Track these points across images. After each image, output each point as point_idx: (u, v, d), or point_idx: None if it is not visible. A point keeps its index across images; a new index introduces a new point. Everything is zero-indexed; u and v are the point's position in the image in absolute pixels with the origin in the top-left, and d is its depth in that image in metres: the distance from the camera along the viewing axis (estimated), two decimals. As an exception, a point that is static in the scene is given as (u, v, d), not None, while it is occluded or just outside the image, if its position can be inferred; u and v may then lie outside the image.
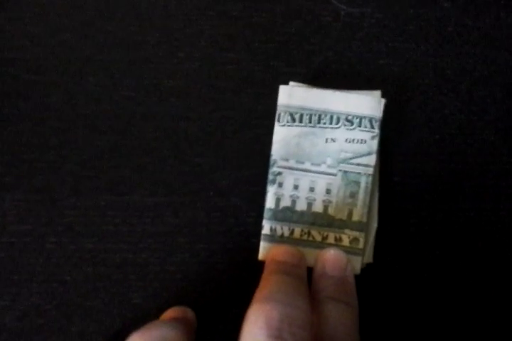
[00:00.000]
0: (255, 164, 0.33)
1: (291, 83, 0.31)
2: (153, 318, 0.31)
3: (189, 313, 0.30)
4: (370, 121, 0.30)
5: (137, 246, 0.32)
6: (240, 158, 0.33)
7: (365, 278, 0.30)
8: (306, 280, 0.28)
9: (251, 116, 0.33)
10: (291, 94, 0.31)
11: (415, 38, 0.35)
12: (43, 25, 0.34)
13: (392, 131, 0.33)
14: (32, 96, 0.34)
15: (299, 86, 0.31)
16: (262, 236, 0.30)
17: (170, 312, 0.30)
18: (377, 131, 0.30)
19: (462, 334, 0.32)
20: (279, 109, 0.31)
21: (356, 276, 0.29)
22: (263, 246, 0.30)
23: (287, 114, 0.30)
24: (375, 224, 0.31)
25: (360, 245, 0.30)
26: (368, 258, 0.30)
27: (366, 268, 0.30)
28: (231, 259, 0.32)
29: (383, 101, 0.31)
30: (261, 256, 0.30)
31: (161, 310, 0.31)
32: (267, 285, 0.26)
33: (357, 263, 0.30)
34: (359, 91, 0.31)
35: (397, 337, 0.32)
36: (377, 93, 0.31)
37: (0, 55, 0.34)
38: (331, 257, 0.28)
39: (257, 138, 0.33)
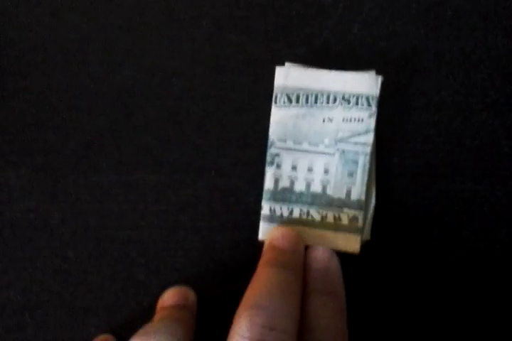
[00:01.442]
0: (256, 144, 0.34)
1: (287, 64, 0.32)
2: (155, 294, 0.32)
3: (190, 296, 0.31)
4: (367, 99, 0.31)
5: (139, 224, 0.33)
6: (240, 138, 0.34)
7: (363, 259, 0.31)
8: (302, 269, 0.28)
9: (251, 96, 0.34)
10: (287, 75, 0.31)
11: (415, 21, 0.35)
12: (44, 5, 0.35)
13: (391, 113, 0.34)
14: (34, 76, 0.35)
15: (295, 66, 0.32)
16: (261, 217, 0.31)
17: (171, 293, 0.31)
18: (374, 109, 0.31)
19: (458, 317, 0.33)
20: (276, 91, 0.31)
21: (353, 257, 0.30)
22: (263, 226, 0.31)
23: (284, 95, 0.31)
24: (372, 203, 0.31)
25: (360, 223, 0.30)
26: (366, 235, 0.31)
27: (364, 249, 0.31)
28: (231, 237, 0.33)
29: (380, 79, 0.31)
30: (261, 236, 0.31)
31: (163, 286, 0.32)
32: (258, 284, 0.26)
33: (356, 242, 0.30)
34: (355, 71, 0.32)
35: (392, 319, 0.33)
36: (373, 72, 0.31)
37: (2, 35, 0.35)
38: (316, 253, 0.29)
39: (258, 118, 0.34)
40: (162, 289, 0.32)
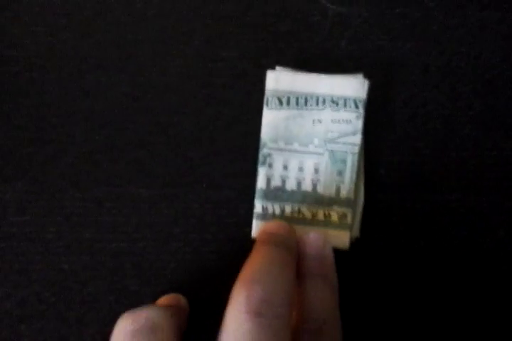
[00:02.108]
0: (246, 158, 0.35)
1: (278, 68, 0.33)
2: (148, 304, 0.33)
3: (182, 300, 0.32)
4: (355, 101, 0.32)
5: (133, 236, 0.34)
6: (231, 152, 0.35)
7: (352, 271, 0.32)
8: (296, 251, 0.29)
9: (242, 111, 0.35)
10: (278, 79, 0.32)
11: (401, 36, 0.36)
12: (42, 23, 0.36)
13: (378, 126, 0.35)
14: (31, 93, 0.36)
15: (286, 70, 0.33)
16: (254, 215, 0.32)
17: (163, 300, 0.32)
18: (361, 111, 0.32)
19: (440, 313, 0.33)
20: (267, 94, 0.32)
21: (343, 254, 0.31)
22: (256, 224, 0.32)
23: (275, 98, 0.32)
24: (361, 201, 0.32)
25: (349, 220, 0.31)
26: (356, 232, 0.32)
27: (353, 254, 0.32)
28: (223, 248, 0.34)
29: (366, 82, 0.32)
30: (254, 233, 0.32)
31: (156, 297, 0.33)
32: (254, 260, 0.27)
33: (346, 238, 0.31)
34: (343, 75, 0.33)
35: (378, 314, 0.33)
36: (360, 75, 0.33)
37: (0, 52, 0.36)
38: (310, 239, 0.30)
39: (248, 132, 0.35)
40: (155, 300, 0.33)
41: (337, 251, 0.31)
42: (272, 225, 0.30)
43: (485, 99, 0.35)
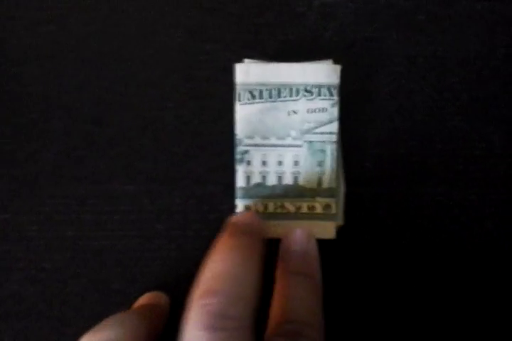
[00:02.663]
0: (230, 153, 0.34)
1: (246, 60, 0.32)
2: (132, 303, 0.32)
3: (162, 298, 0.31)
4: (329, 88, 0.31)
5: (116, 233, 0.33)
6: (215, 146, 0.34)
7: (339, 266, 0.32)
8: (264, 240, 0.28)
9: (226, 105, 0.35)
10: (248, 72, 0.32)
11: (387, 27, 0.36)
12: (21, 17, 0.35)
13: (364, 118, 0.34)
14: (10, 88, 0.35)
15: (255, 62, 0.32)
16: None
17: (144, 298, 0.32)
18: (336, 97, 0.31)
19: (422, 305, 0.33)
20: (238, 88, 0.32)
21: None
22: None
23: (246, 91, 0.32)
24: (343, 188, 0.32)
25: (333, 210, 0.31)
26: (340, 220, 0.32)
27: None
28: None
29: (338, 67, 0.32)
30: None
31: (140, 295, 0.33)
32: (214, 261, 0.25)
33: (331, 228, 0.31)
34: (314, 62, 0.32)
35: (366, 309, 0.33)
36: (330, 61, 0.32)
37: (-22, 47, 0.35)
38: (295, 235, 0.30)
39: (232, 126, 0.34)
40: (139, 297, 0.32)
41: (325, 243, 0.31)
42: (237, 216, 0.29)
43: (472, 90, 0.35)
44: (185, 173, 0.34)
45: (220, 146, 0.34)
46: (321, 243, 0.31)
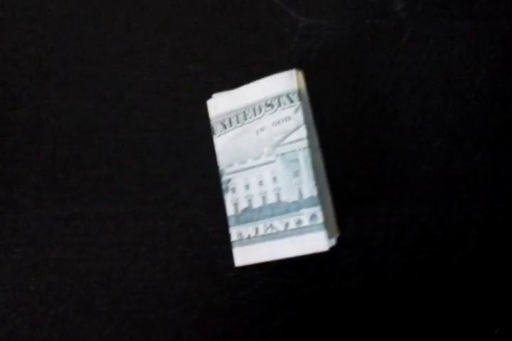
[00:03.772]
0: (215, 174, 0.34)
1: (214, 95, 0.33)
2: (117, 324, 0.33)
3: None
4: (288, 96, 0.32)
5: (100, 256, 0.34)
6: (200, 168, 0.35)
7: (325, 288, 0.32)
8: None
9: (210, 126, 0.35)
10: (216, 105, 0.33)
11: (372, 48, 0.36)
12: (5, 39, 0.36)
13: (349, 139, 0.35)
14: (-3, 110, 0.35)
15: (221, 94, 0.33)
16: (232, 244, 0.32)
17: None
18: (297, 102, 0.32)
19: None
20: (212, 122, 0.33)
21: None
22: (236, 252, 0.32)
23: (218, 124, 0.33)
24: (329, 198, 0.32)
25: (319, 220, 0.31)
26: (333, 231, 0.32)
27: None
28: (191, 267, 0.34)
29: (294, 72, 0.32)
30: (237, 261, 0.32)
31: (125, 316, 0.33)
32: None
33: (322, 238, 0.30)
34: (271, 75, 0.32)
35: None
36: (291, 71, 0.32)
37: (-35, 69, 0.36)
38: None
39: (216, 148, 0.35)
40: (124, 319, 0.33)
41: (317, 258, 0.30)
42: None
43: (456, 111, 0.35)
44: (169, 195, 0.35)
45: (205, 168, 0.35)
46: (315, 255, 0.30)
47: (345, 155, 0.35)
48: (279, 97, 0.32)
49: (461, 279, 0.34)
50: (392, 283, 0.34)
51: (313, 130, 0.32)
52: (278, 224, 0.31)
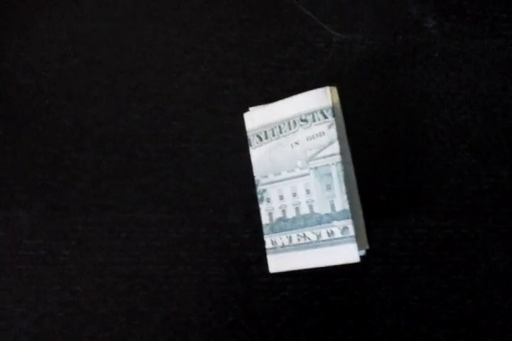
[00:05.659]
0: (251, 183, 0.37)
1: (251, 108, 0.35)
2: (156, 324, 0.35)
3: None
4: (322, 112, 0.34)
5: (142, 259, 0.36)
6: (237, 177, 0.37)
7: (352, 297, 0.34)
8: None
9: (246, 138, 0.37)
10: (253, 118, 0.35)
11: (403, 63, 0.38)
12: (52, 51, 0.38)
13: (378, 152, 0.37)
14: (44, 120, 0.38)
15: (257, 108, 0.35)
16: (266, 251, 0.34)
17: None
18: (331, 119, 0.33)
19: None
20: (248, 134, 0.35)
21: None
22: (270, 259, 0.34)
23: (255, 136, 0.35)
24: (360, 211, 0.34)
25: (351, 232, 0.32)
26: (364, 244, 0.33)
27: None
28: (227, 272, 0.36)
29: (328, 89, 0.33)
30: (271, 268, 0.34)
31: (165, 318, 0.35)
32: None
33: (353, 250, 0.32)
34: (306, 92, 0.34)
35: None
36: (325, 88, 0.33)
37: (14, 80, 0.38)
38: None
39: (253, 159, 0.37)
40: (163, 320, 0.35)
41: (346, 267, 0.32)
42: None
43: (483, 127, 0.37)
44: (207, 203, 0.37)
45: (241, 178, 0.37)
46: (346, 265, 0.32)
47: (374, 168, 0.37)
48: (313, 113, 0.34)
49: (485, 289, 0.36)
50: (418, 292, 0.36)
51: (346, 144, 0.34)
52: (311, 234, 0.33)
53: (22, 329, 0.36)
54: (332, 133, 0.33)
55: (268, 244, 0.34)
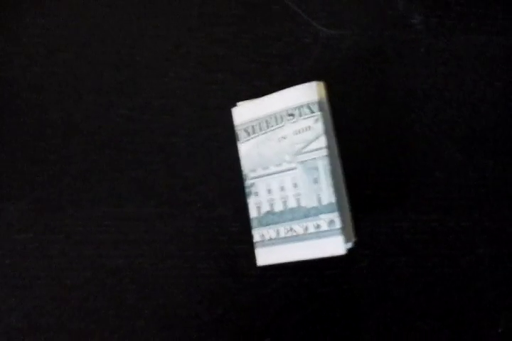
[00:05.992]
0: (239, 177, 0.37)
1: (239, 103, 0.36)
2: (145, 318, 0.36)
3: None
4: (308, 106, 0.34)
5: (131, 253, 0.37)
6: (225, 171, 0.37)
7: (337, 292, 0.35)
8: None
9: (235, 133, 0.37)
10: (241, 113, 0.35)
11: (390, 59, 0.39)
12: (41, 46, 0.38)
13: (364, 148, 0.37)
14: (32, 114, 0.38)
15: (245, 102, 0.36)
16: (254, 245, 0.34)
17: None
18: (317, 113, 0.34)
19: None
20: (236, 129, 0.35)
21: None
22: (258, 252, 0.34)
23: (242, 131, 0.35)
24: (346, 204, 0.35)
25: (337, 225, 0.33)
26: (350, 236, 0.34)
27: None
28: (216, 265, 0.36)
29: (314, 84, 0.34)
30: (259, 261, 0.34)
31: (154, 312, 0.36)
32: None
33: (339, 243, 0.33)
34: (293, 86, 0.34)
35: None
36: (312, 83, 0.34)
37: (1, 74, 0.38)
38: None
39: (241, 154, 0.37)
40: (152, 314, 0.36)
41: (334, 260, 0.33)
42: None
43: (469, 121, 0.38)
44: (196, 197, 0.37)
45: (229, 172, 0.37)
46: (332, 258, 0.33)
47: (363, 163, 0.37)
48: (299, 108, 0.34)
49: (470, 281, 0.36)
50: (405, 284, 0.36)
51: (333, 138, 0.34)
52: (298, 227, 0.34)
53: (10, 324, 0.36)
54: (319, 127, 0.34)
55: (256, 238, 0.34)
